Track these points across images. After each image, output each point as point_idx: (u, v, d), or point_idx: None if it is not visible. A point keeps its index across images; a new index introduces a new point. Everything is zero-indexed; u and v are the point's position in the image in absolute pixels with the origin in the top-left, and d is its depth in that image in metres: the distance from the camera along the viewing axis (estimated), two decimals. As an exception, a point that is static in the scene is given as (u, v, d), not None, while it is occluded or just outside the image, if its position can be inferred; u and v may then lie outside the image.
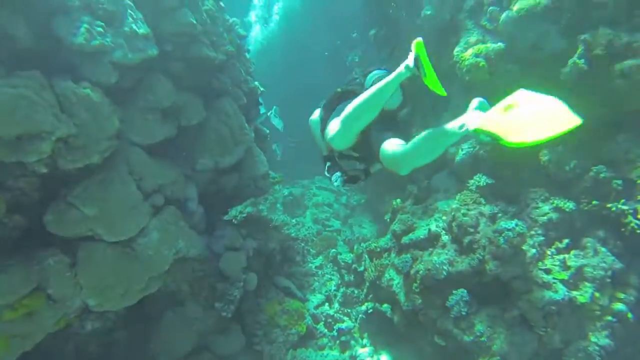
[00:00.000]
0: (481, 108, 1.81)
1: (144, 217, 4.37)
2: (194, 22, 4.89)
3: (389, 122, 2.44)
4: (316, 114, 3.05)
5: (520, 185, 5.60)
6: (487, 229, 4.99)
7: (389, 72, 2.29)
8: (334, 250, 9.00)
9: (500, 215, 5.41)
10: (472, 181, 5.78)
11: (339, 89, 2.79)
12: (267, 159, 7.47)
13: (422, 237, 5.81)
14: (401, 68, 2.11)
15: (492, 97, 1.87)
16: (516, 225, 4.63)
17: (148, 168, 4.70)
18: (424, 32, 6.98)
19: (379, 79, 2.34)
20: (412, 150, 1.97)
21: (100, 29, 3.91)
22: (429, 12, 6.53)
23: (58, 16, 3.70)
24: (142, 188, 4.60)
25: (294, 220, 11.16)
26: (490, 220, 5.26)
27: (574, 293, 4.44)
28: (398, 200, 7.31)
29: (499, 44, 5.58)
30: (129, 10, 4.27)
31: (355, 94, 2.40)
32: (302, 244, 9.22)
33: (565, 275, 4.53)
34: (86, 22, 3.80)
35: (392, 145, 2.14)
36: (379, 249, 6.73)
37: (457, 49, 6.10)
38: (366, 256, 7.32)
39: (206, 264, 5.74)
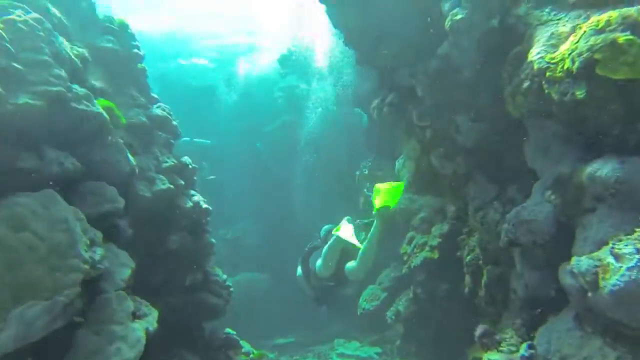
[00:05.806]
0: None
1: None
2: None
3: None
4: (299, 270, 4.89)
5: None
6: None
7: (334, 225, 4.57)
8: None
9: None
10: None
11: (306, 249, 4.91)
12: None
13: None
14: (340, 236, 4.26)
15: None
16: None
17: None
18: (451, 58, 4.00)
19: (327, 230, 4.70)
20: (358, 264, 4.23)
21: None
22: (459, 17, 3.63)
23: None
24: None
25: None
26: None
27: None
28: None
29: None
30: None
31: (317, 248, 4.68)
32: None
33: None
34: None
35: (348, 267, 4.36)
36: None
37: (535, 51, 2.94)
38: None
39: None
